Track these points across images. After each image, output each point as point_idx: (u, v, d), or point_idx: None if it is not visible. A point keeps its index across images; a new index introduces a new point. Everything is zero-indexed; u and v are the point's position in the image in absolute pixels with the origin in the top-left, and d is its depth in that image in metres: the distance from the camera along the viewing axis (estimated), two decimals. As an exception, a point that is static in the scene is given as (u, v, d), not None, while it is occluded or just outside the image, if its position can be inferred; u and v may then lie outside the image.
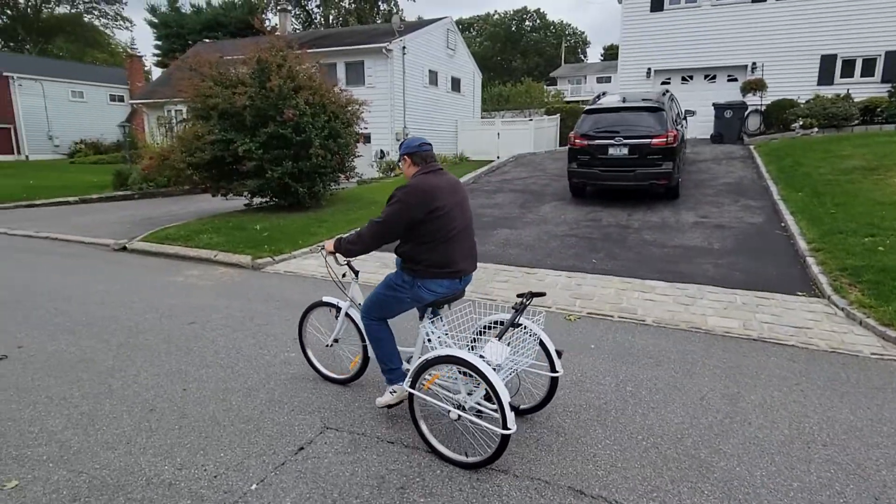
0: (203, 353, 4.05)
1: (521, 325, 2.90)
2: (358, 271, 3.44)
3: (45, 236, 8.51)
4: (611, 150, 8.56)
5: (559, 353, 2.93)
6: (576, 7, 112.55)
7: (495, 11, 73.06)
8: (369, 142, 18.90)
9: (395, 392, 3.07)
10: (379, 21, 39.95)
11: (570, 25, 71.12)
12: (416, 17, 36.00)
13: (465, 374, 2.64)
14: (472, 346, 2.99)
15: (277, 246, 7.33)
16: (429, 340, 2.92)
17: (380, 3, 42.32)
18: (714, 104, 14.15)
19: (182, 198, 13.96)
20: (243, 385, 3.52)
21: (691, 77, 16.32)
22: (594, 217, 8.45)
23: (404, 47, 18.80)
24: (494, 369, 2.57)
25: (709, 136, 14.54)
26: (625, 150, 8.49)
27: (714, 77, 16.12)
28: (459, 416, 2.67)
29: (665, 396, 3.35)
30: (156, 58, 41.90)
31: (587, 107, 9.08)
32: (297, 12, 43.08)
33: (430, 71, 20.88)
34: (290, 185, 9.22)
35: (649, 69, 16.12)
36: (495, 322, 2.98)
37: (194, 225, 8.49)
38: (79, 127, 28.83)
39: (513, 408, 2.55)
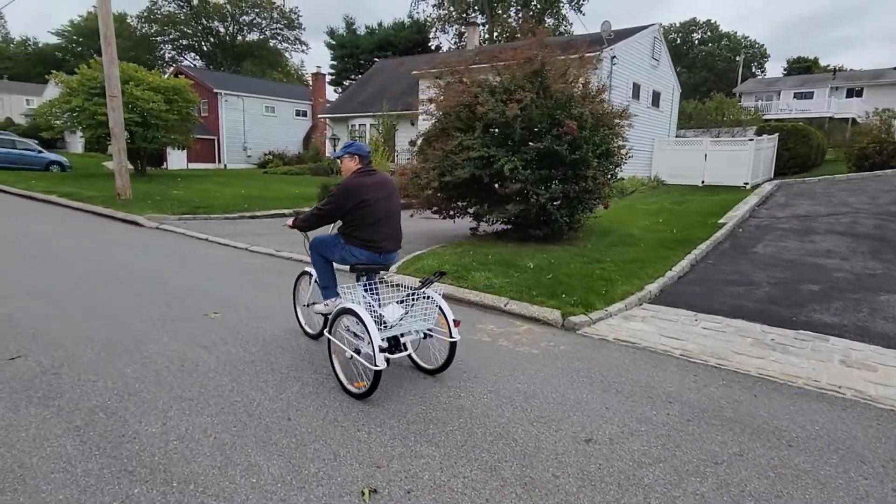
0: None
1: (426, 295, 3.58)
2: None
3: (289, 257, 7.73)
4: None
5: (456, 322, 3.55)
6: (744, 17, 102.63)
7: (660, 24, 68.14)
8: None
9: (327, 305, 3.95)
10: (545, 36, 38.49)
11: (746, 37, 63.84)
12: (561, 33, 33.88)
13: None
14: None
15: (577, 295, 5.58)
16: (357, 302, 3.49)
17: (546, 17, 40.87)
18: None
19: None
20: None
21: None
22: None
23: (614, 57, 16.75)
24: (389, 325, 3.42)
25: None
26: None
27: None
28: (352, 356, 3.40)
29: None
30: (330, 76, 44.73)
31: None
32: (463, 29, 43.25)
33: (633, 84, 18.56)
34: (550, 211, 7.56)
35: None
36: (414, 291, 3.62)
37: (449, 256, 7.13)
38: (267, 139, 30.98)
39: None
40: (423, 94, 21.40)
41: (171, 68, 36.70)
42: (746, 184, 19.10)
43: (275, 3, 56.20)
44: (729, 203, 13.11)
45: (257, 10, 56.32)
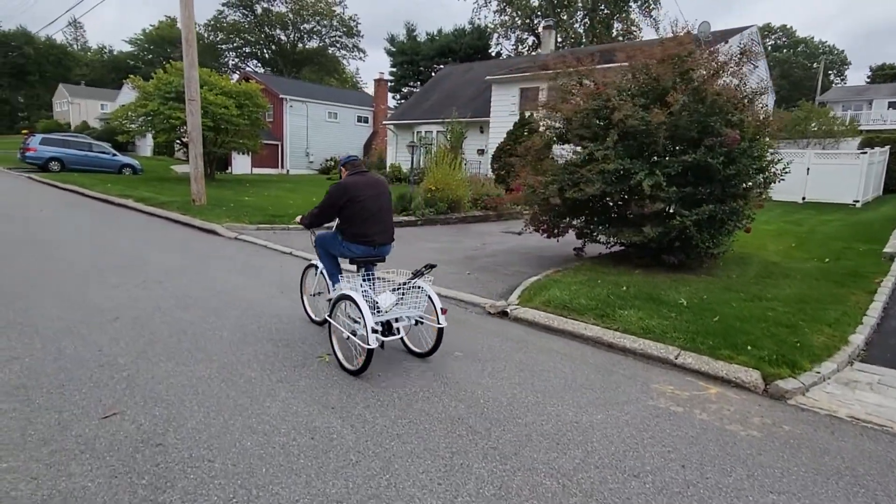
0: None
1: (417, 285, 3.93)
2: None
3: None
4: None
5: (443, 311, 3.86)
6: (823, 24, 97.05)
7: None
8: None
9: (335, 289, 4.29)
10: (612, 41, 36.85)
11: (824, 43, 59.90)
12: (630, 38, 32.26)
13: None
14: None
15: (766, 348, 4.41)
16: (355, 289, 3.82)
17: (614, 23, 39.30)
18: None
19: (460, 227, 12.32)
20: None
21: None
22: None
23: (712, 60, 15.28)
24: (383, 310, 3.81)
25: None
26: None
27: None
28: (349, 336, 3.78)
29: None
30: (390, 83, 44.57)
31: None
32: (525, 36, 42.24)
33: (729, 89, 17.00)
34: (691, 235, 6.40)
35: None
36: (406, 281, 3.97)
37: (577, 286, 6.07)
38: (329, 145, 30.84)
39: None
40: (497, 101, 20.51)
41: (235, 75, 37.34)
42: (857, 201, 17.15)
43: (335, 11, 56.96)
44: (859, 224, 11.51)
45: (318, 18, 57.21)
